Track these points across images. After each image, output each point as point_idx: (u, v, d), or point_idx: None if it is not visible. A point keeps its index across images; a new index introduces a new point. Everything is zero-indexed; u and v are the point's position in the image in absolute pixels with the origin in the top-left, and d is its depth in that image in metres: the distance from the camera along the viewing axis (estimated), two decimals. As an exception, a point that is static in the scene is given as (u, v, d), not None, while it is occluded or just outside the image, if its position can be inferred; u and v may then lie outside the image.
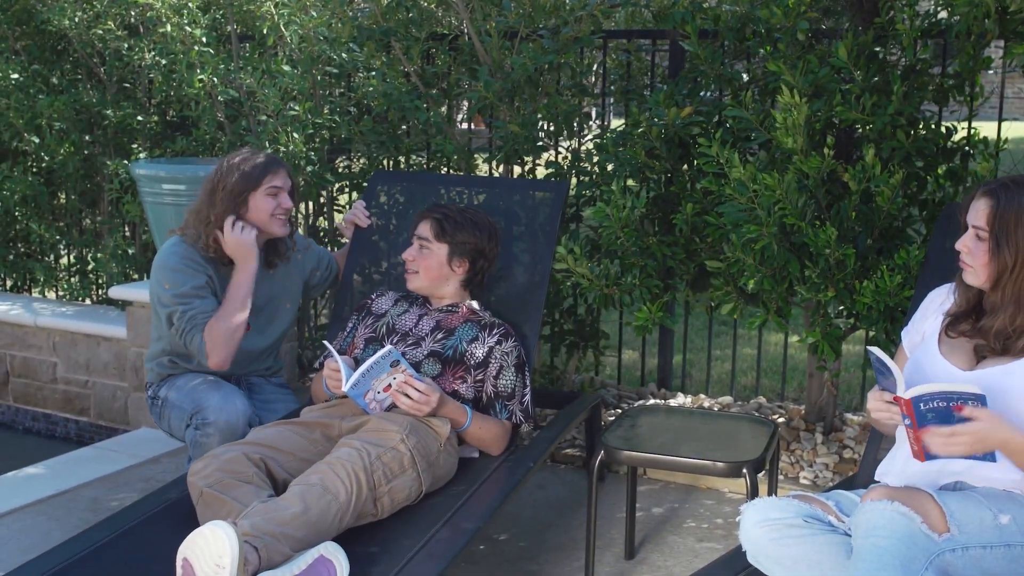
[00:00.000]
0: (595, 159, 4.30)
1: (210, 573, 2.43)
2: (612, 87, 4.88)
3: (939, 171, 3.74)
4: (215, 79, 4.83)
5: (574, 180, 4.41)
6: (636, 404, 4.65)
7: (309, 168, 4.70)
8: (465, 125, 5.61)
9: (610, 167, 4.15)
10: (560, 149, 4.66)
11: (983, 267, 2.50)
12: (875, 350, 2.46)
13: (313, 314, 5.44)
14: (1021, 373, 2.46)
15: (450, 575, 2.69)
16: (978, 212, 2.49)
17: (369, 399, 3.12)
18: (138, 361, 4.79)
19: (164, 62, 5.04)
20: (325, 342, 3.33)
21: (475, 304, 3.52)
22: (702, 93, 4.13)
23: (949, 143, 3.77)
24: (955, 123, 3.86)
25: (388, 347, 3.10)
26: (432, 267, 3.45)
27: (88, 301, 5.93)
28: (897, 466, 2.60)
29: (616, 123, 4.37)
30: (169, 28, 4.88)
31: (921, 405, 2.33)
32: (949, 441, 2.32)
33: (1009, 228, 2.44)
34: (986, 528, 2.33)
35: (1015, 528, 2.35)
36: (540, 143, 4.45)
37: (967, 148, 3.77)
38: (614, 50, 5.00)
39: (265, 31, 4.89)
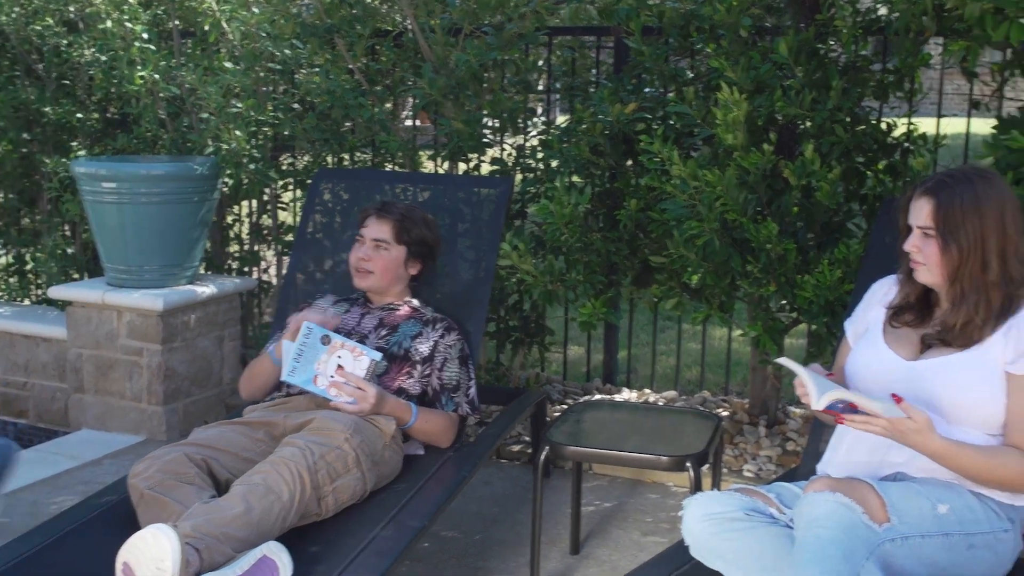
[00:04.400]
0: (540, 156, 4.31)
1: (151, 576, 2.40)
2: (557, 84, 4.88)
3: (879, 166, 3.78)
4: (156, 76, 4.78)
5: (519, 177, 4.41)
6: (582, 400, 4.66)
7: (252, 166, 4.66)
8: (410, 122, 5.58)
9: (555, 164, 4.15)
10: (505, 146, 4.66)
11: (936, 265, 2.52)
12: (783, 361, 2.48)
13: (257, 313, 5.40)
14: (960, 364, 2.49)
15: (396, 573, 2.68)
16: (921, 212, 2.52)
17: (322, 385, 3.09)
18: (78, 362, 4.73)
19: (104, 59, 4.97)
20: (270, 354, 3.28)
21: (415, 301, 3.52)
22: (646, 89, 4.15)
23: (889, 139, 3.82)
24: (895, 119, 3.90)
25: (303, 324, 3.08)
26: (389, 268, 3.44)
27: (27, 301, 5.84)
28: (839, 457, 2.63)
29: (562, 119, 4.37)
30: (109, 24, 4.82)
31: (839, 406, 2.37)
32: (868, 422, 2.35)
33: (954, 223, 2.48)
34: (925, 518, 2.36)
35: (953, 518, 2.39)
36: (485, 140, 4.45)
37: (907, 144, 3.81)
38: (559, 47, 5.01)
39: (207, 27, 4.84)
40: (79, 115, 5.40)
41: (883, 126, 3.82)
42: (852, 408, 2.39)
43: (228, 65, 4.67)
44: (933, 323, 2.61)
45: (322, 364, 3.10)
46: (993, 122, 3.35)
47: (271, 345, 3.39)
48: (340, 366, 3.10)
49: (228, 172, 4.67)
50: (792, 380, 2.51)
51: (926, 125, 3.90)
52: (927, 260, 2.53)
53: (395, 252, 3.45)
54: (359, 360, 3.12)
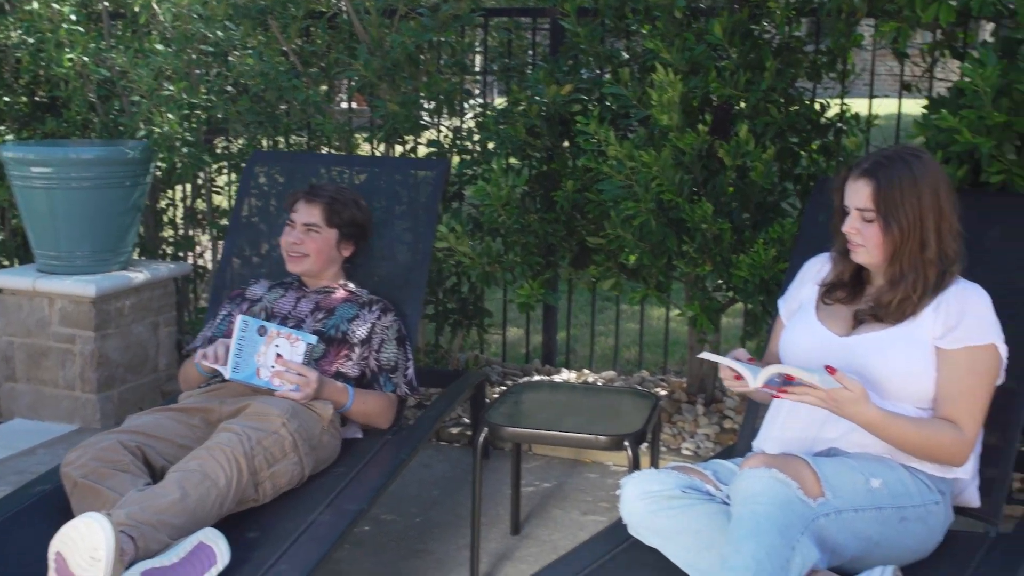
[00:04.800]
0: (476, 137, 4.30)
1: (85, 567, 2.37)
2: (494, 65, 4.87)
3: (813, 146, 3.82)
4: (85, 58, 4.69)
5: (456, 158, 4.39)
6: (521, 381, 4.67)
7: (185, 149, 4.60)
8: (346, 104, 5.54)
9: (491, 145, 4.14)
10: (442, 128, 4.64)
11: (876, 247, 2.55)
12: (705, 355, 2.50)
13: (192, 298, 5.34)
14: (892, 341, 2.53)
15: (335, 557, 2.68)
16: (860, 194, 2.54)
17: (265, 377, 3.07)
18: (9, 350, 4.65)
19: (31, 41, 4.87)
20: (197, 363, 3.22)
21: (351, 284, 3.50)
22: (582, 71, 4.15)
23: (822, 119, 3.85)
24: (828, 100, 3.94)
25: (239, 318, 3.06)
26: (322, 251, 3.42)
27: (-44, 289, 5.72)
28: (774, 433, 2.66)
29: (500, 101, 4.36)
30: (36, 5, 4.72)
31: (776, 380, 2.39)
32: (809, 393, 2.37)
33: (894, 204, 2.51)
34: (858, 492, 2.40)
35: (886, 491, 2.43)
36: (422, 122, 4.43)
37: (840, 124, 3.85)
38: (495, 28, 4.99)
39: (137, 9, 4.76)
40: (6, 98, 5.29)
41: (816, 106, 3.86)
42: (789, 381, 2.41)
43: (159, 47, 4.60)
44: (866, 299, 2.65)
45: (262, 356, 3.08)
46: (924, 102, 3.39)
47: (198, 352, 3.34)
48: (279, 355, 3.09)
49: (161, 156, 4.60)
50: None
51: (859, 105, 3.94)
52: (866, 242, 2.56)
53: (327, 235, 3.43)
54: (296, 346, 3.11)
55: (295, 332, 3.12)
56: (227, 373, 3.05)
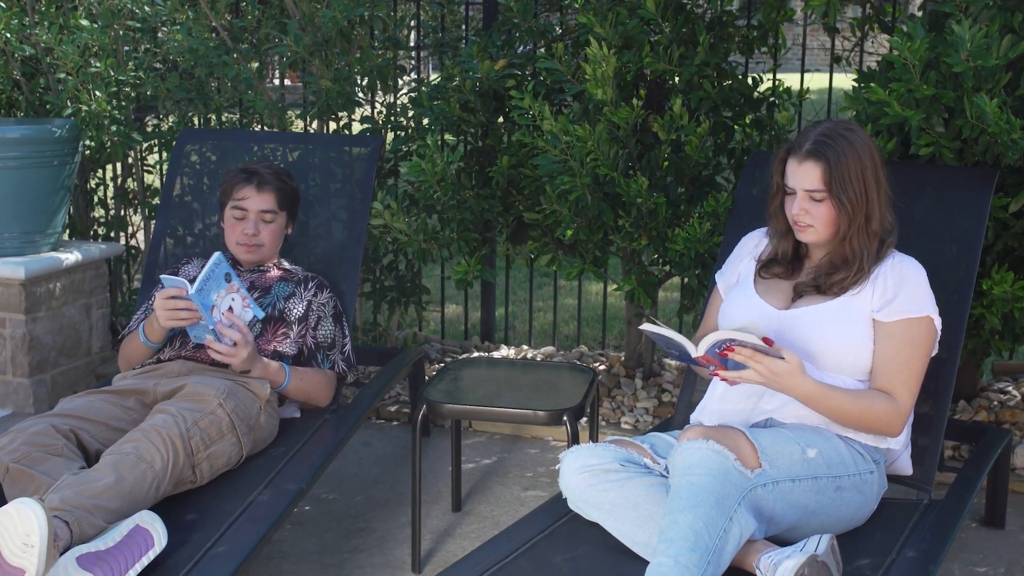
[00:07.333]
0: (410, 113, 4.27)
1: (18, 553, 2.33)
2: (427, 40, 4.84)
3: (746, 121, 3.84)
4: (8, 35, 4.58)
5: (390, 135, 4.36)
6: (460, 358, 4.66)
7: (114, 127, 4.52)
8: (278, 81, 5.48)
9: (426, 121, 4.12)
10: (376, 104, 4.60)
11: (827, 225, 2.57)
12: (647, 327, 2.52)
13: (126, 279, 5.26)
14: (832, 314, 2.57)
15: (275, 538, 2.66)
16: (808, 176, 2.55)
17: (216, 317, 3.03)
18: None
19: (-49, 17, 4.75)
20: (163, 276, 3.15)
21: (285, 262, 3.47)
22: (516, 46, 4.14)
23: (755, 94, 3.88)
24: (760, 74, 3.97)
25: (215, 254, 3.02)
26: (277, 236, 3.41)
27: None
28: (712, 405, 2.69)
29: (434, 77, 4.34)
30: (-45, -19, 4.61)
31: (716, 350, 2.41)
32: (753, 357, 2.39)
33: (845, 183, 2.53)
34: (795, 462, 2.43)
35: (821, 461, 2.47)
36: (356, 98, 4.39)
37: (772, 98, 3.88)
38: (427, 3, 4.96)
39: (61, -17, 4.67)
40: (-73, 77, 5.16)
41: (749, 81, 3.88)
42: (724, 357, 2.43)
43: (85, 23, 4.50)
44: (805, 272, 2.68)
45: (220, 298, 3.05)
46: (854, 76, 3.43)
47: (140, 322, 3.29)
48: (231, 308, 3.06)
49: (89, 134, 4.52)
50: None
51: (791, 80, 3.97)
52: (816, 221, 2.58)
53: (280, 219, 3.40)
54: (245, 311, 3.10)
55: (250, 299, 3.10)
56: (191, 289, 2.99)
